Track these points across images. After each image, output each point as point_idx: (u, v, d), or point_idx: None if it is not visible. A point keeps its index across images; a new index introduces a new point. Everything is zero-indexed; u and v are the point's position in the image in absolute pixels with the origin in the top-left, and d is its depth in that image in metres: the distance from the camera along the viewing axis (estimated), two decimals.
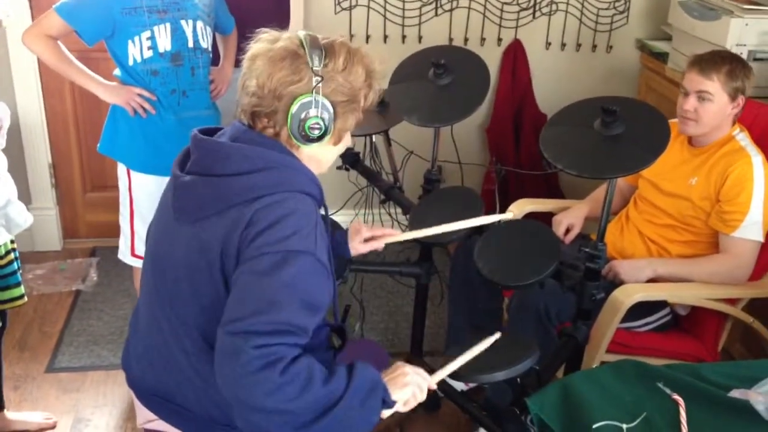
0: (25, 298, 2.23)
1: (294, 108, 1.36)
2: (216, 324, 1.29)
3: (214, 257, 1.33)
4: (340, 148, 1.50)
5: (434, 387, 1.46)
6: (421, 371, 1.43)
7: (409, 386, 1.39)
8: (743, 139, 2.23)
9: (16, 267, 2.17)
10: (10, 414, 2.36)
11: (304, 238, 1.31)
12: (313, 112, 1.37)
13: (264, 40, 1.41)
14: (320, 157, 1.47)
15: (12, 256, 2.16)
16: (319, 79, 1.36)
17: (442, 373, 1.51)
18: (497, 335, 1.62)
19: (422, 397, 1.42)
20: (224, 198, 1.35)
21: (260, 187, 1.34)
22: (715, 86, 2.15)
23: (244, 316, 1.24)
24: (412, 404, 1.41)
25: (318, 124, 1.38)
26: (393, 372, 1.41)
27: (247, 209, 1.32)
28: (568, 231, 2.49)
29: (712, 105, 2.16)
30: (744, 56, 2.70)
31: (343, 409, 1.26)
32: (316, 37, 1.40)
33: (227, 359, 1.23)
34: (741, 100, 2.18)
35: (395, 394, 1.37)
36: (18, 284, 2.19)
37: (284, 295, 1.26)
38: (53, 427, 2.40)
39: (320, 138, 1.40)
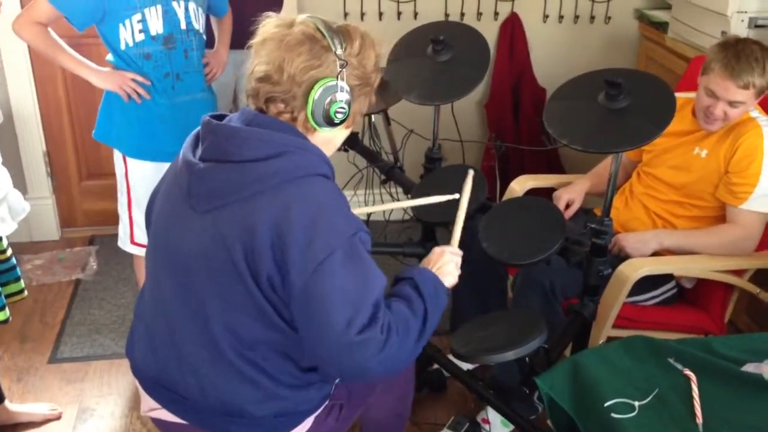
0: (26, 293, 2.20)
1: (317, 93, 1.34)
2: (239, 314, 1.34)
3: (236, 247, 1.31)
4: (350, 130, 1.50)
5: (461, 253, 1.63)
6: (451, 249, 1.61)
7: (453, 272, 1.57)
8: (753, 109, 2.19)
9: (14, 262, 2.14)
10: (13, 406, 2.34)
11: (345, 221, 1.33)
12: (337, 96, 1.36)
13: (274, 25, 1.38)
14: (333, 140, 1.48)
15: (9, 251, 2.12)
16: (344, 63, 1.35)
17: (456, 239, 1.70)
18: (471, 172, 1.85)
19: (458, 271, 1.59)
20: (244, 185, 1.32)
21: (280, 172, 1.32)
22: (748, 94, 2.08)
23: (355, 313, 1.30)
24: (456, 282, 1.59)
25: (343, 108, 1.38)
26: (436, 262, 1.56)
27: (269, 202, 1.30)
28: (568, 206, 2.46)
29: (743, 107, 2.11)
30: (745, 24, 2.66)
31: (430, 317, 1.43)
32: (328, 22, 1.39)
33: (355, 353, 1.30)
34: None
35: (446, 281, 1.54)
36: (17, 279, 2.16)
37: (367, 274, 1.34)
38: (58, 417, 2.38)
39: (343, 122, 1.40)
